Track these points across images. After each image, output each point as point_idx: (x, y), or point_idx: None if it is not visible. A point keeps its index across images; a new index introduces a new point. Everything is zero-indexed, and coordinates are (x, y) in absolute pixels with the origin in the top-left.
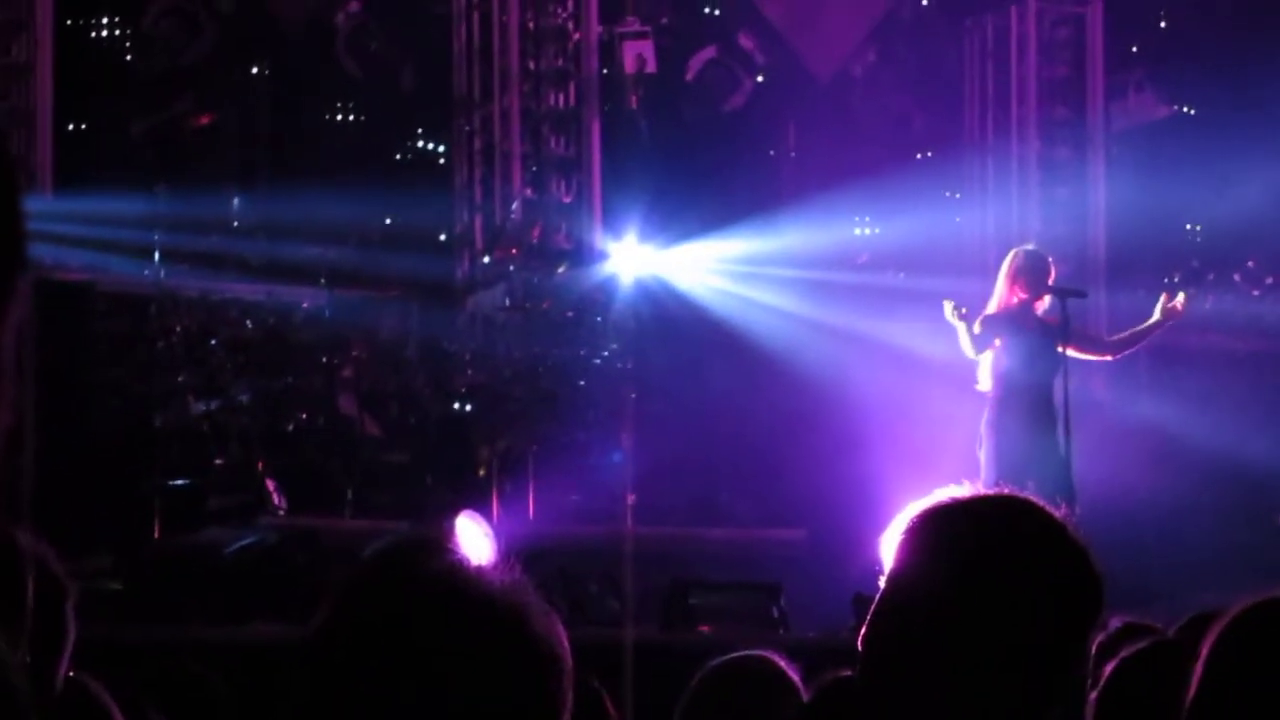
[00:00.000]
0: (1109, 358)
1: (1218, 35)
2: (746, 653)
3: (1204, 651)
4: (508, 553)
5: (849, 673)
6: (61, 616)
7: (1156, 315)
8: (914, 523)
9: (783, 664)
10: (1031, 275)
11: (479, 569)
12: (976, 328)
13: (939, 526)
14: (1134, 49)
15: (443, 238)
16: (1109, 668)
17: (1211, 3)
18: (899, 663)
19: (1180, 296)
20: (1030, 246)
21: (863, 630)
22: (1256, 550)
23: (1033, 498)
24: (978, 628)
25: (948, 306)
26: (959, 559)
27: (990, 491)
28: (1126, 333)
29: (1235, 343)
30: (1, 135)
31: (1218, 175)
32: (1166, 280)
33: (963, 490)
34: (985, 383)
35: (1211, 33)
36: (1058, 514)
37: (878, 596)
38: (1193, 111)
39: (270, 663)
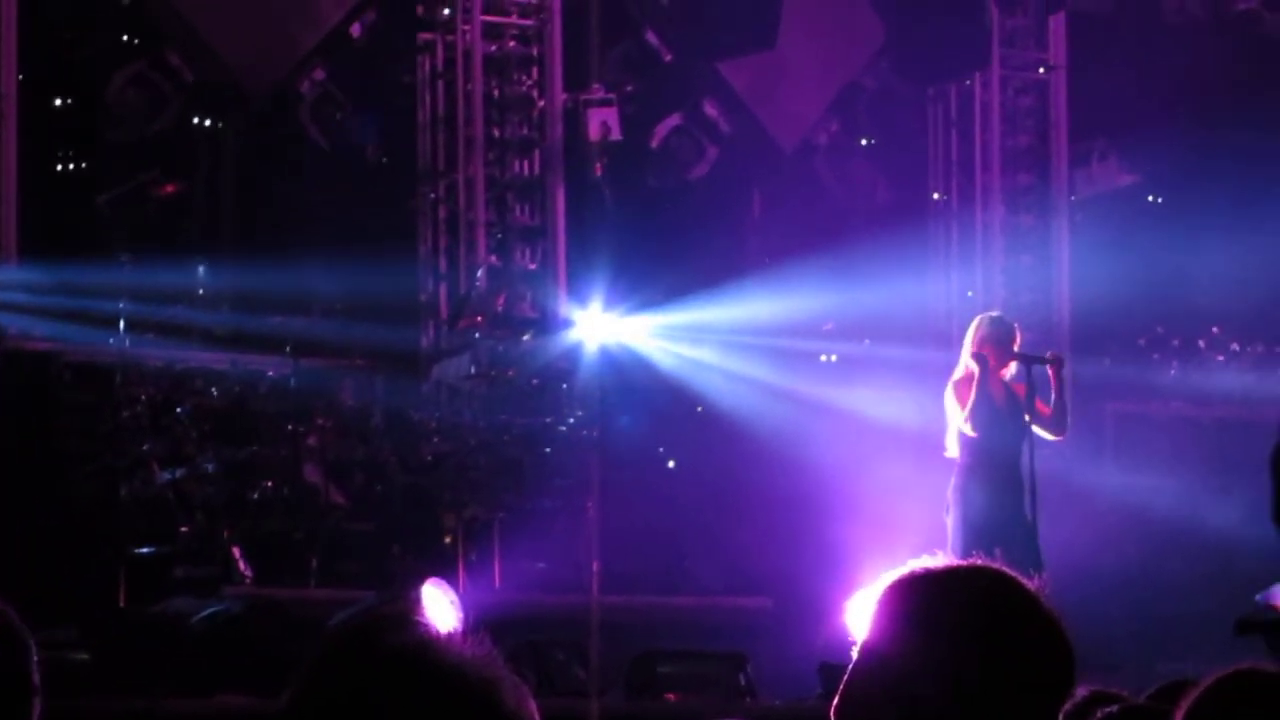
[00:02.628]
0: (1057, 435)
1: (1180, 103)
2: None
3: None
4: (476, 623)
5: None
6: (27, 674)
7: (1050, 377)
8: (888, 592)
9: None
10: (995, 342)
11: (448, 641)
12: (949, 398)
13: (913, 596)
14: (1097, 117)
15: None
16: None
17: (1174, 72)
18: None
19: (1051, 351)
20: (995, 314)
21: (835, 701)
22: (1220, 618)
23: (1005, 569)
24: (951, 698)
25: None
26: (934, 630)
27: (964, 562)
28: (1052, 406)
29: (1199, 410)
30: None
31: (1182, 242)
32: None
33: (936, 560)
34: (954, 449)
35: (1174, 101)
36: (1031, 585)
37: (850, 666)
38: (1156, 182)
39: None
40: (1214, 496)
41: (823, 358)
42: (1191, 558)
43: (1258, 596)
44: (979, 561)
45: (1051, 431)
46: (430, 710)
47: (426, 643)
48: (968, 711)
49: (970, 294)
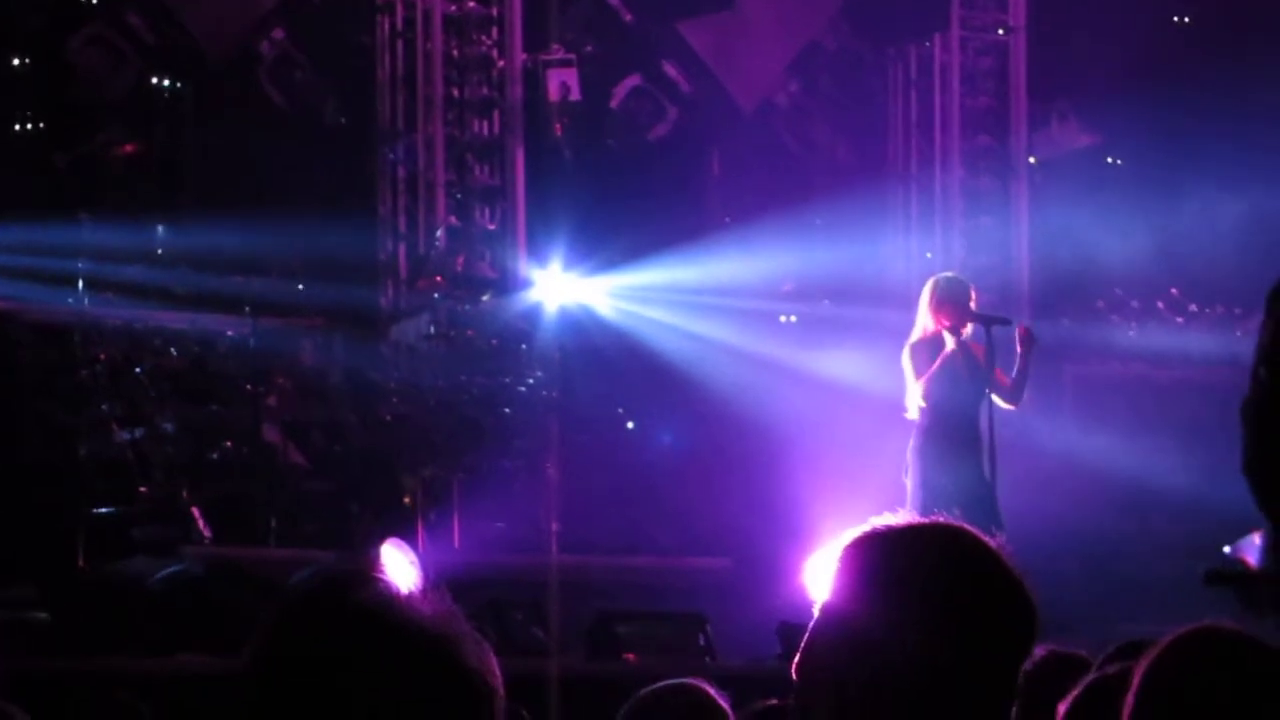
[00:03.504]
0: (1012, 404)
1: (1140, 64)
2: (677, 680)
3: (1136, 681)
4: (437, 582)
5: (776, 701)
6: None
7: (1019, 349)
8: (849, 550)
9: (712, 692)
10: (952, 302)
11: (410, 599)
12: (906, 360)
13: (874, 554)
14: (1057, 78)
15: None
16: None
17: (1134, 32)
18: (834, 691)
19: (1023, 325)
20: (949, 274)
21: (796, 659)
22: (1179, 579)
23: (967, 526)
24: (913, 655)
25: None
26: (895, 587)
27: (925, 519)
28: (1012, 377)
29: (1158, 371)
30: None
31: (1141, 203)
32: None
33: (897, 518)
34: (914, 411)
35: (1134, 61)
36: (993, 542)
37: (811, 624)
38: (1116, 143)
39: (197, 693)
40: (1173, 458)
41: (782, 318)
42: (1150, 519)
43: (1226, 548)
44: (940, 519)
45: (1006, 400)
46: (393, 667)
47: (388, 600)
48: (930, 669)
49: (929, 255)
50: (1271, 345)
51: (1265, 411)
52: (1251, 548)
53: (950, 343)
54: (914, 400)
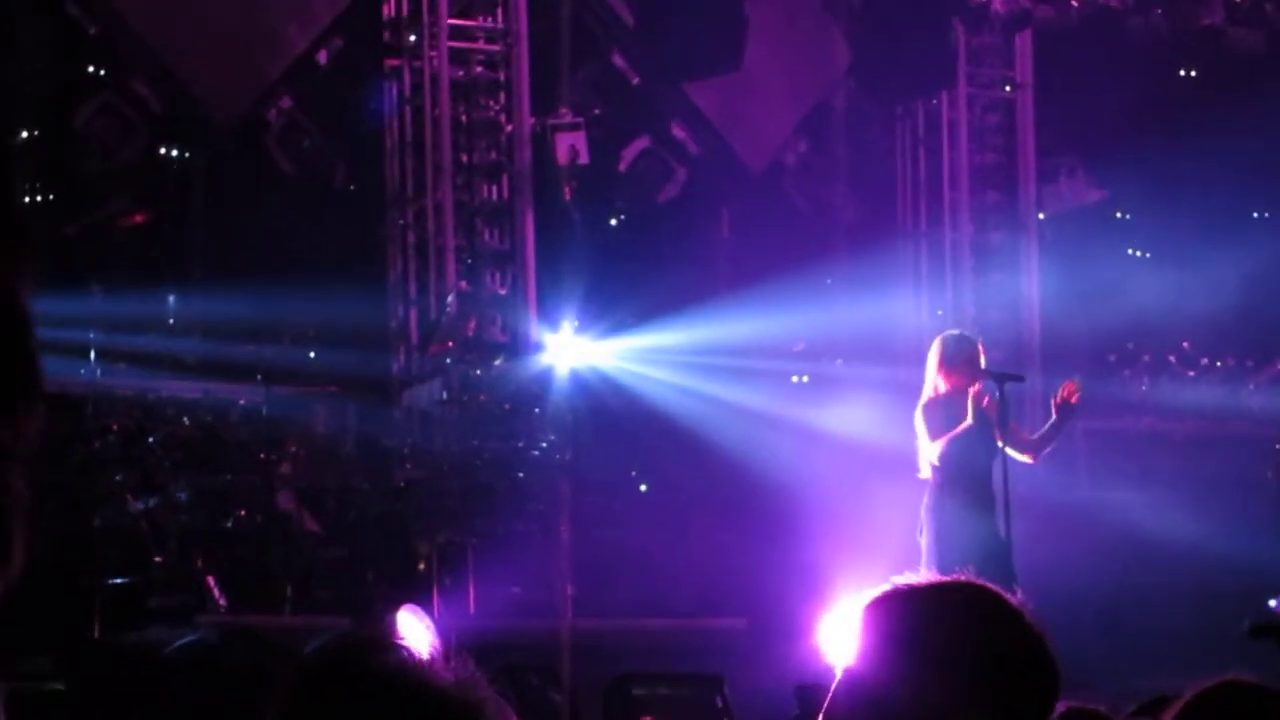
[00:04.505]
0: (1030, 459)
1: (1147, 119)
2: None
3: None
4: (458, 647)
5: None
6: None
7: (1054, 415)
8: (871, 610)
9: None
10: (961, 361)
11: (431, 665)
12: (919, 419)
13: (897, 614)
14: (1065, 134)
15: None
16: None
17: (1140, 87)
18: None
19: (1070, 387)
20: (955, 332)
21: (820, 718)
22: (1195, 633)
23: (988, 584)
24: (938, 713)
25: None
26: (919, 647)
27: (947, 579)
28: (1039, 434)
29: (1170, 425)
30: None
31: (1151, 257)
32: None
33: (919, 578)
34: (926, 470)
35: (1140, 116)
36: (1014, 600)
37: (834, 685)
38: (1124, 197)
39: None
40: (1186, 511)
41: (794, 378)
42: (1164, 573)
43: (1271, 602)
44: (961, 578)
45: (1026, 452)
46: None
47: (410, 666)
48: None
49: (940, 312)
50: None
51: None
52: None
53: (971, 416)
54: (926, 460)
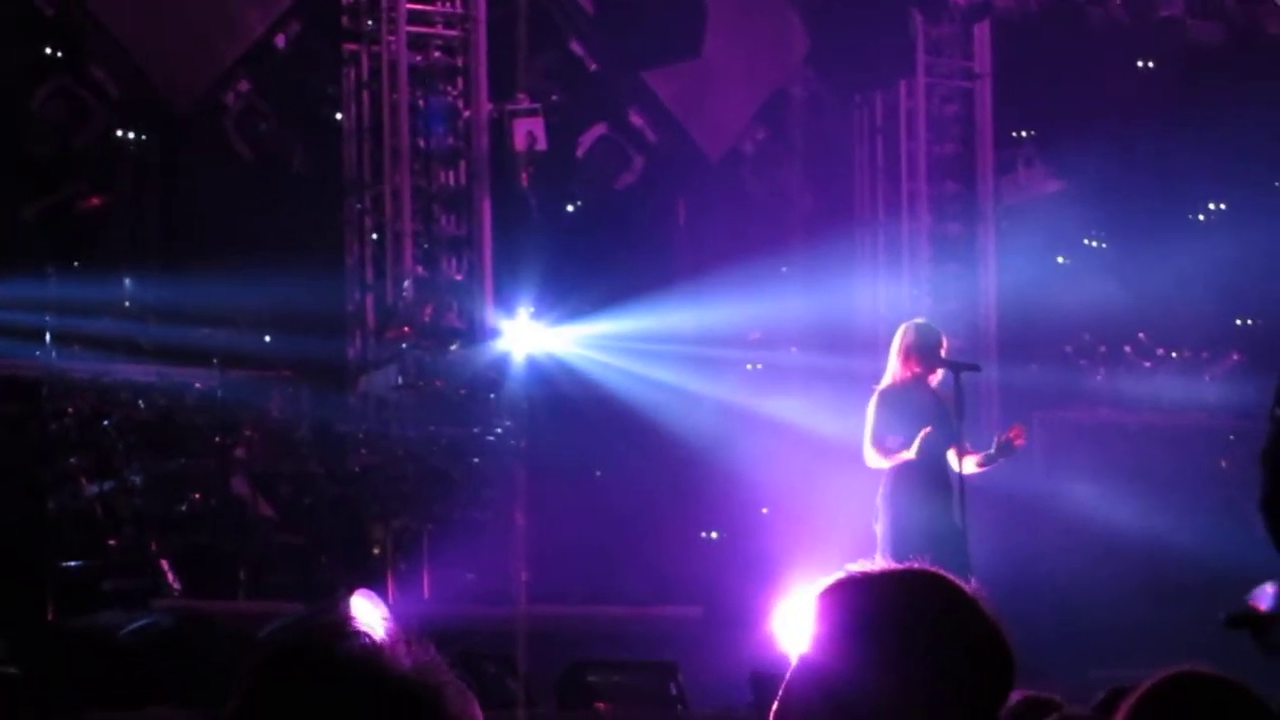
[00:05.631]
0: (956, 467)
1: (1106, 110)
2: None
3: None
4: (419, 632)
5: None
6: None
7: (994, 449)
8: (825, 597)
9: None
10: (923, 350)
11: (392, 649)
12: (871, 407)
13: (851, 601)
14: (1023, 124)
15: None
16: None
17: (1100, 79)
18: None
19: (1018, 430)
20: (920, 320)
21: (774, 707)
22: (1150, 623)
23: (943, 572)
24: (892, 702)
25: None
26: (873, 634)
27: (901, 565)
28: (975, 458)
29: (1126, 416)
30: None
31: (1108, 248)
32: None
33: (873, 565)
34: (871, 459)
35: (1100, 108)
36: (969, 588)
37: (789, 672)
38: (1082, 188)
39: None
40: (1141, 502)
41: (749, 366)
42: (1119, 563)
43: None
44: (915, 565)
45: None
46: (376, 717)
47: (370, 651)
48: (909, 716)
49: (897, 302)
50: None
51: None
52: (1265, 596)
53: (914, 451)
54: (870, 448)
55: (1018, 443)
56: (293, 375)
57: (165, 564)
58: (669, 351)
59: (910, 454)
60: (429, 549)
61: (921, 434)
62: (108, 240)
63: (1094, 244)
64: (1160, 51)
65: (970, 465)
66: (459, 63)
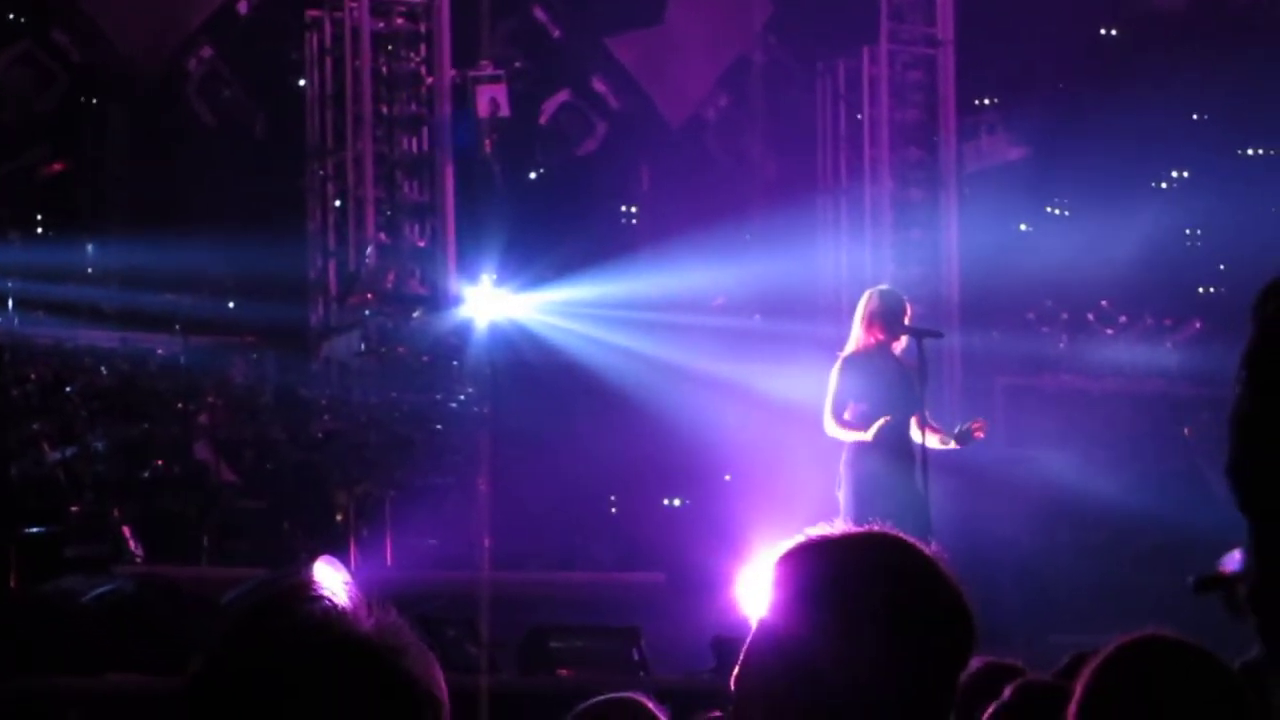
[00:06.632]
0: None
1: (1069, 77)
2: (617, 695)
3: (1080, 689)
4: (379, 596)
5: (719, 714)
6: None
7: (953, 443)
8: (784, 562)
9: (652, 706)
10: (887, 316)
11: (354, 612)
12: (834, 374)
13: (810, 565)
14: (985, 90)
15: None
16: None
17: (1062, 45)
18: (773, 703)
19: (980, 424)
20: (885, 287)
21: (735, 672)
22: (1111, 589)
23: (903, 535)
24: (852, 666)
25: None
26: (832, 598)
27: (861, 530)
28: (934, 438)
29: (1088, 383)
30: None
31: (1070, 215)
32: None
33: (832, 529)
34: (829, 428)
35: (1062, 75)
36: (929, 550)
37: (750, 636)
38: (1044, 155)
39: (130, 712)
40: (1102, 468)
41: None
42: (1081, 529)
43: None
44: (876, 529)
45: (918, 426)
46: (339, 679)
47: (333, 614)
48: (869, 680)
49: (859, 268)
50: (1250, 351)
51: (1244, 414)
52: (1233, 561)
53: (870, 434)
54: (829, 417)
55: (977, 434)
56: (255, 341)
57: (127, 530)
58: (632, 318)
59: (866, 436)
60: (391, 515)
61: (880, 421)
62: (70, 206)
63: (1056, 211)
64: (1122, 19)
65: (932, 440)
66: (422, 29)
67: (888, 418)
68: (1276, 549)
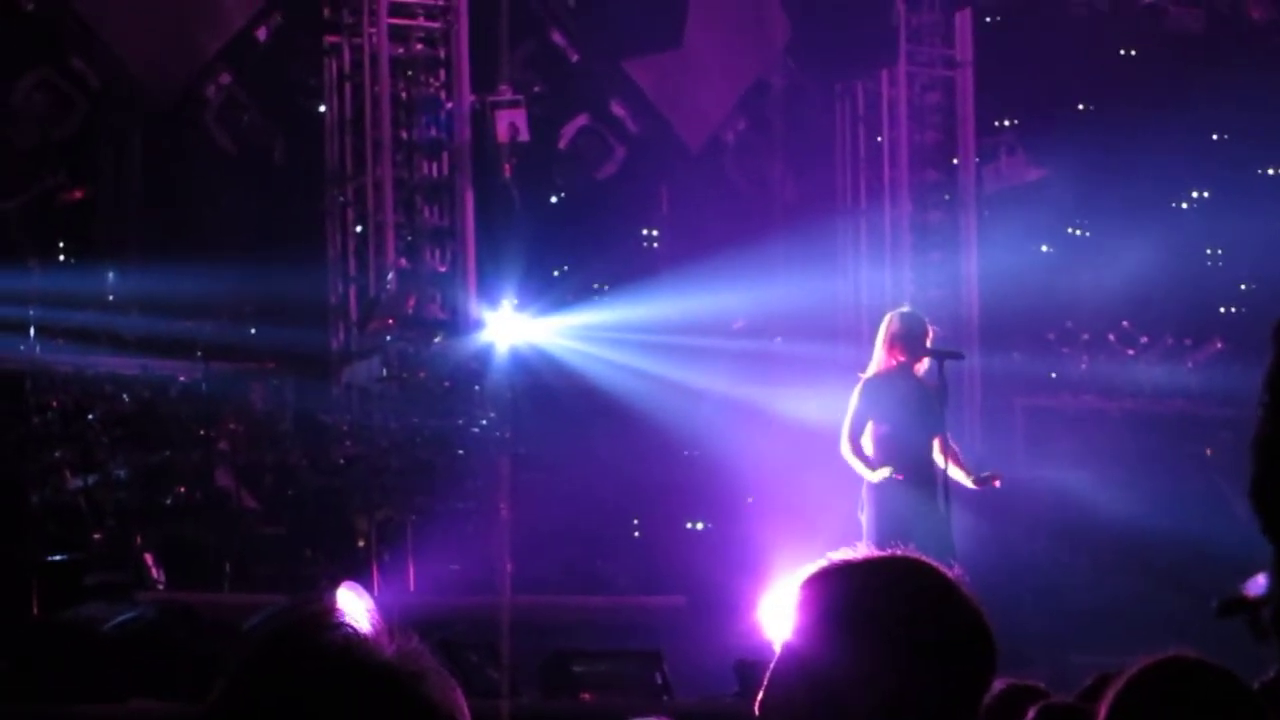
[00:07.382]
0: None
1: (1087, 98)
2: (643, 718)
3: (1102, 713)
4: (400, 622)
5: None
6: None
7: (970, 483)
8: (808, 586)
9: None
10: (909, 338)
11: (374, 638)
12: (855, 395)
13: (834, 589)
14: (1005, 112)
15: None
16: None
17: (1081, 67)
18: None
19: (997, 475)
20: (906, 309)
21: (759, 696)
22: (1133, 610)
23: (926, 558)
24: (876, 688)
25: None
26: (855, 622)
27: (883, 553)
28: (958, 468)
29: (1109, 403)
30: None
31: (1090, 236)
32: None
33: (855, 553)
34: (845, 451)
35: (1081, 96)
36: (951, 574)
37: (773, 661)
38: (1064, 176)
39: None
40: (1123, 489)
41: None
42: (1103, 550)
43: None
44: (898, 553)
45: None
46: (360, 706)
47: (354, 640)
48: (893, 703)
49: (879, 290)
50: (1272, 375)
51: (1267, 437)
52: (1257, 586)
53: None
54: (845, 440)
55: (994, 484)
56: (276, 367)
57: (149, 557)
58: (652, 341)
59: (873, 477)
60: (413, 540)
61: (885, 471)
62: (90, 233)
63: (1076, 232)
64: (1141, 39)
65: (954, 470)
66: (441, 54)
67: (897, 475)
68: None
